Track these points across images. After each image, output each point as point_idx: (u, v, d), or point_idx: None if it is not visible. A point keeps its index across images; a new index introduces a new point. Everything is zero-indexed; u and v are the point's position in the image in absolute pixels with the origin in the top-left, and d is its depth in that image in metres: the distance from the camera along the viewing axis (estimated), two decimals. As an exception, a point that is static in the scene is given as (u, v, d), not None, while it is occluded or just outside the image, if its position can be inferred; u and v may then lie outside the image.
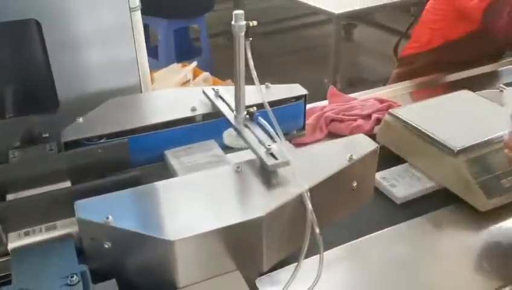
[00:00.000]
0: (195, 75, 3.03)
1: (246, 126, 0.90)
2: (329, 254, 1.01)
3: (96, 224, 0.71)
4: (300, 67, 3.62)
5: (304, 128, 1.13)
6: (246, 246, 0.74)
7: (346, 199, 0.88)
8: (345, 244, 1.03)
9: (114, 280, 0.72)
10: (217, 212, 0.74)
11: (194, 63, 3.11)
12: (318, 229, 0.76)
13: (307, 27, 4.36)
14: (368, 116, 1.42)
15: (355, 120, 1.42)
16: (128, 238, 0.70)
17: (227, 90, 1.05)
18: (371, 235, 1.05)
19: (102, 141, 0.94)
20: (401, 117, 1.26)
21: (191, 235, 0.69)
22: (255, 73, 0.88)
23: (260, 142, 0.85)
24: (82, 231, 0.73)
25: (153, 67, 3.37)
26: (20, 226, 0.78)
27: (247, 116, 0.92)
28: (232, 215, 0.73)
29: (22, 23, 1.07)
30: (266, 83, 1.12)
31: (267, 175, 0.81)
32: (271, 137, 0.85)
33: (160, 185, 0.81)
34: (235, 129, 0.91)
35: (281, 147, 0.83)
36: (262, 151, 0.82)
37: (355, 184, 0.87)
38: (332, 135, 1.40)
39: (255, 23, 0.86)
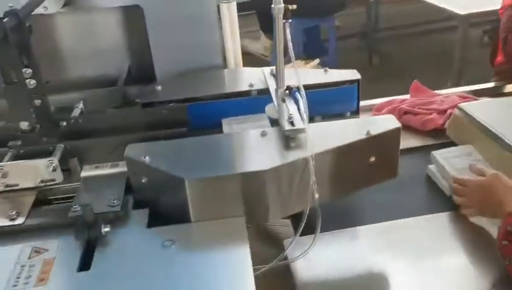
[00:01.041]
0: (314, 73, 3.14)
1: (283, 100, 1.01)
2: (359, 230, 1.07)
3: (136, 161, 0.89)
4: (428, 70, 3.51)
5: (357, 111, 1.19)
6: (252, 195, 0.85)
7: (363, 172, 0.94)
8: (379, 223, 1.07)
9: (147, 209, 0.90)
10: (232, 163, 0.87)
11: (316, 61, 3.23)
12: (317, 194, 0.84)
13: (443, 31, 4.18)
14: (444, 111, 1.41)
15: (430, 114, 1.41)
16: (157, 175, 0.87)
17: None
18: (407, 219, 1.08)
19: (171, 104, 1.12)
20: (467, 111, 1.24)
21: (201, 176, 0.83)
22: (293, 53, 0.98)
23: (288, 112, 0.95)
24: (128, 167, 0.92)
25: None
26: (93, 161, 1.00)
27: (287, 91, 1.02)
28: (242, 166, 0.85)
29: (130, 8, 1.32)
30: (325, 68, 1.21)
31: (287, 140, 0.91)
32: (300, 110, 0.95)
33: (198, 139, 0.96)
34: (274, 102, 1.03)
35: (303, 118, 0.92)
36: (285, 119, 0.92)
37: (373, 159, 0.92)
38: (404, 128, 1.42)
39: (294, 6, 0.97)
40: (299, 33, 3.57)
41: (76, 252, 0.80)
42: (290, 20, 0.97)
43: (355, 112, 1.19)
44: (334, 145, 0.88)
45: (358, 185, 0.96)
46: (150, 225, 0.86)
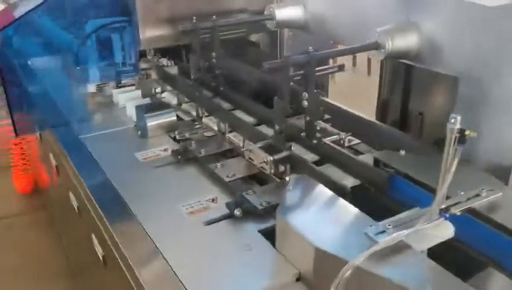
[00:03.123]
0: None
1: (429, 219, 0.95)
2: None
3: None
4: None
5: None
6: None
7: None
8: None
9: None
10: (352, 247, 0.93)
11: None
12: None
13: None
14: None
15: None
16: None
17: None
18: None
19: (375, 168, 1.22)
20: None
21: (329, 252, 0.94)
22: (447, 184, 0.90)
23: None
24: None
25: None
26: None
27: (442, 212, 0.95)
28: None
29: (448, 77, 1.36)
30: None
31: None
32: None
33: (345, 205, 1.09)
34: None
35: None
36: (408, 231, 0.91)
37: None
38: None
39: (475, 134, 0.86)
40: None
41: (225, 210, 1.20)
42: (463, 146, 0.87)
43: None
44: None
45: None
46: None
